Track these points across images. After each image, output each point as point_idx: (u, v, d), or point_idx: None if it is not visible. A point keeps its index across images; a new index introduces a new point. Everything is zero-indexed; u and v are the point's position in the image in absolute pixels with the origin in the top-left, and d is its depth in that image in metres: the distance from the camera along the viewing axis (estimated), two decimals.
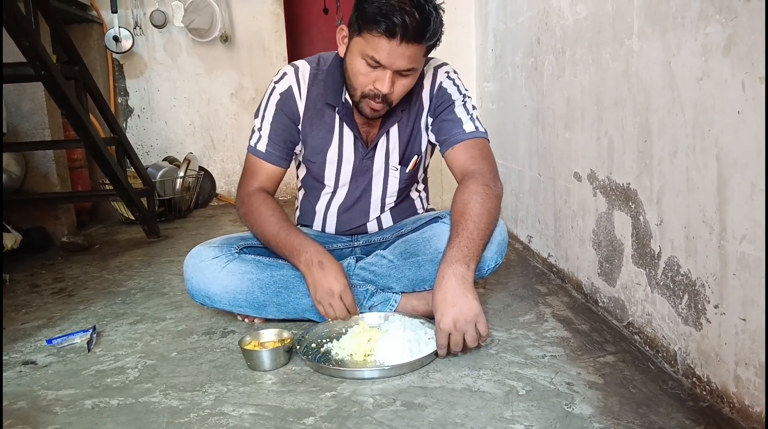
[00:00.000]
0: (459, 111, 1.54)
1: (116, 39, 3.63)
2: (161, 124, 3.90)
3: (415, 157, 1.63)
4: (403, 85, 1.40)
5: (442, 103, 1.55)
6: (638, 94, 1.29)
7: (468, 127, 1.52)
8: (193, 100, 3.89)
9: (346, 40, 1.41)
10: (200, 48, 3.81)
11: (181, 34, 3.78)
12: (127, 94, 3.85)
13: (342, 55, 1.44)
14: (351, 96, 1.46)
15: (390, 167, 1.62)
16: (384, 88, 1.36)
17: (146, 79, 3.84)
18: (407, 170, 1.63)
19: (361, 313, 1.50)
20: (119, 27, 3.63)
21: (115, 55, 3.75)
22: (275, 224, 1.49)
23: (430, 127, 1.59)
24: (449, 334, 1.27)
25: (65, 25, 2.96)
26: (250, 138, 1.59)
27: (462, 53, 3.05)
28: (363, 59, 1.35)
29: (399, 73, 1.36)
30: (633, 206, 1.34)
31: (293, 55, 4.03)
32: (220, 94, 3.90)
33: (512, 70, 2.32)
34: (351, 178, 1.62)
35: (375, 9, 1.27)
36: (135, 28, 3.74)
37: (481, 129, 1.53)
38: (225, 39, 3.78)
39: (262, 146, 1.56)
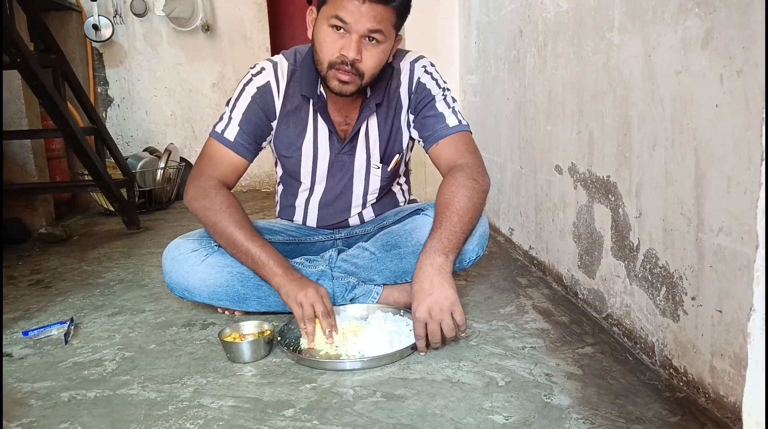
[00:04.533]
0: (440, 106, 1.52)
1: (96, 27, 3.58)
2: (141, 114, 3.85)
3: (397, 155, 1.61)
4: (371, 54, 1.35)
5: (423, 99, 1.53)
6: (618, 87, 1.29)
7: (451, 121, 1.51)
8: (174, 90, 3.85)
9: (314, 20, 1.39)
10: (181, 37, 3.77)
11: (162, 23, 3.73)
12: (107, 83, 3.80)
13: (310, 36, 1.41)
14: (319, 72, 1.41)
15: (371, 166, 1.60)
16: (350, 52, 1.32)
17: (126, 68, 3.79)
18: (389, 169, 1.62)
19: (342, 305, 1.50)
20: (99, 15, 3.57)
21: (94, 44, 3.70)
22: (238, 231, 1.41)
23: (411, 124, 1.57)
24: (426, 325, 1.26)
25: (43, 12, 2.91)
26: (216, 124, 1.52)
27: (445, 46, 3.04)
28: (329, 26, 1.32)
29: (367, 39, 1.33)
30: (613, 199, 1.35)
31: (276, 45, 4.00)
32: (202, 84, 3.86)
33: (495, 63, 2.32)
34: (328, 174, 1.59)
35: None
36: (115, 16, 3.68)
37: (463, 122, 1.52)
38: (206, 28, 3.74)
39: (230, 134, 1.49)
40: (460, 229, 1.35)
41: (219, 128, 1.51)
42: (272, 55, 3.91)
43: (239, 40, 3.84)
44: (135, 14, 3.67)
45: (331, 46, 1.34)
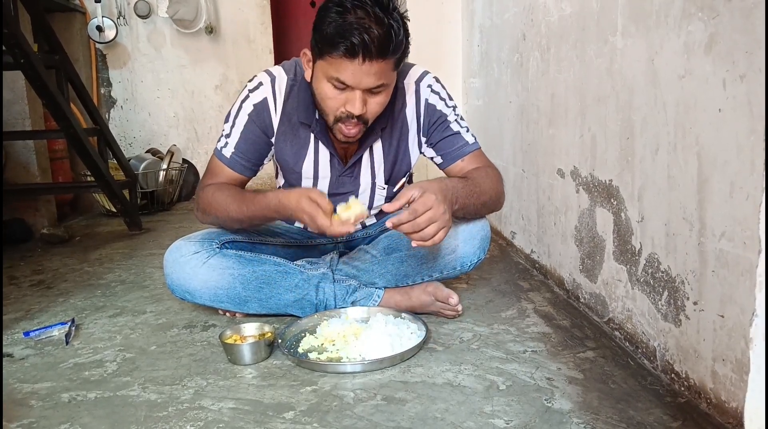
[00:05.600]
0: (454, 126, 1.53)
1: (99, 29, 3.59)
2: (144, 116, 3.86)
3: (403, 178, 1.61)
4: (376, 102, 1.35)
5: (436, 121, 1.52)
6: (621, 91, 1.29)
7: (469, 139, 1.54)
8: (177, 92, 3.86)
9: (310, 63, 1.37)
10: (185, 39, 3.78)
11: (166, 25, 3.74)
12: (110, 84, 3.81)
13: (309, 79, 1.39)
14: (325, 120, 1.41)
15: (376, 187, 1.58)
16: (355, 109, 1.31)
17: (130, 69, 3.80)
18: (394, 189, 1.61)
19: (344, 307, 1.50)
20: (102, 16, 3.58)
21: (98, 45, 3.71)
22: (233, 203, 1.44)
23: (424, 145, 1.56)
24: (428, 211, 1.23)
25: (47, 13, 2.92)
26: (218, 140, 1.52)
27: (448, 49, 3.04)
28: (329, 82, 1.30)
29: (369, 91, 1.31)
30: (615, 203, 1.35)
31: (279, 48, 4.01)
32: (205, 86, 3.87)
33: (498, 66, 2.32)
34: (329, 193, 1.57)
35: (332, 30, 1.23)
36: (119, 17, 3.69)
37: (475, 140, 1.55)
38: (210, 30, 3.75)
39: (227, 152, 1.50)
40: (473, 203, 1.39)
41: (219, 146, 1.52)
42: (275, 57, 3.92)
43: (243, 43, 3.85)
44: (139, 16, 3.68)
45: (334, 102, 1.33)
